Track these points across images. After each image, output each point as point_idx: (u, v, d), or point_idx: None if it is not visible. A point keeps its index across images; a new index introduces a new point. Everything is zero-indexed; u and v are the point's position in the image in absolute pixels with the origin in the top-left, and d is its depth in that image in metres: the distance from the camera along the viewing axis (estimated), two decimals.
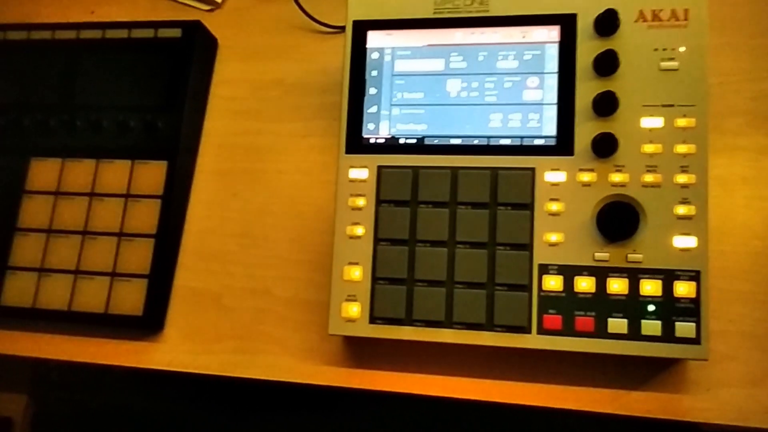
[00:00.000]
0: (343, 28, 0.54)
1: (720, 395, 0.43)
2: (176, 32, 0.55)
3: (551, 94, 0.44)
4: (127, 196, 0.52)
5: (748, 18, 0.50)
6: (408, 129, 0.45)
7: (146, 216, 0.51)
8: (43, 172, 0.54)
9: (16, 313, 0.51)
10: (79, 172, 0.53)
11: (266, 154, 0.54)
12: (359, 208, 0.45)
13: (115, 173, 0.53)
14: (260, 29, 0.58)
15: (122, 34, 0.56)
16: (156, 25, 0.56)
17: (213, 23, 0.58)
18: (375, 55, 0.47)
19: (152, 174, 0.52)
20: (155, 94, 0.54)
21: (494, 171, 0.44)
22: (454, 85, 0.45)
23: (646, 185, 0.42)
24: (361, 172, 0.45)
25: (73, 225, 0.52)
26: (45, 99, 0.56)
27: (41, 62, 0.57)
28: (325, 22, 0.56)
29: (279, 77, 0.56)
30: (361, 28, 0.47)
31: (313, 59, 0.56)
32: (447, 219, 0.43)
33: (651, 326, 0.40)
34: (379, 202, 0.45)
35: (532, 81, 0.44)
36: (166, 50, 0.55)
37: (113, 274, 0.50)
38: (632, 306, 0.41)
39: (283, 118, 0.55)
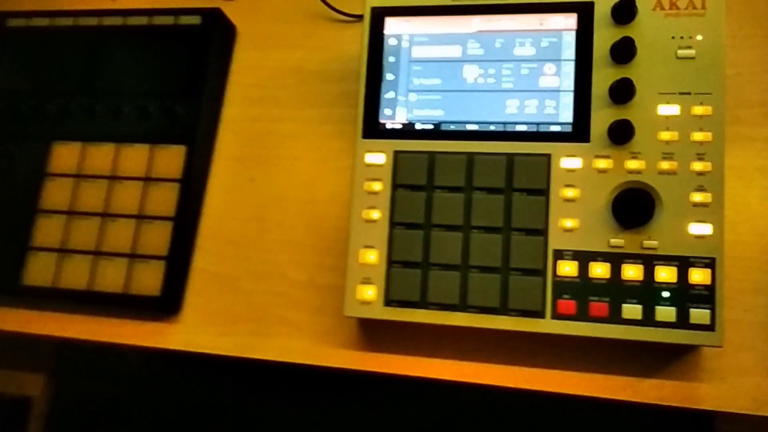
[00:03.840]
0: (360, 17, 0.55)
1: (735, 384, 0.43)
2: (196, 19, 0.56)
3: (568, 81, 0.44)
4: (147, 179, 0.53)
5: (766, 9, 0.50)
6: (425, 114, 0.46)
7: (165, 199, 0.52)
8: (64, 155, 0.55)
9: (38, 293, 0.52)
10: (100, 155, 0.54)
11: (283, 140, 0.55)
12: (375, 193, 0.45)
13: (134, 157, 0.54)
14: (279, 17, 0.59)
15: (143, 21, 0.57)
16: (176, 12, 0.56)
17: (232, 11, 0.58)
18: (393, 42, 0.47)
19: (171, 158, 0.53)
20: (175, 80, 0.55)
21: (510, 157, 0.44)
22: (471, 72, 0.46)
23: (662, 172, 0.42)
24: (377, 156, 0.46)
25: (94, 207, 0.53)
26: (67, 84, 0.57)
27: (63, 48, 0.58)
28: (343, 10, 0.57)
29: (297, 65, 0.57)
30: (380, 15, 0.47)
31: (331, 47, 0.57)
32: (462, 204, 0.44)
33: (665, 312, 0.40)
34: (395, 186, 0.45)
35: (549, 68, 0.45)
36: (185, 37, 0.56)
37: (132, 256, 0.51)
38: (647, 292, 0.41)
39: (300, 105, 0.56)
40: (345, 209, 0.50)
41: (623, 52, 0.43)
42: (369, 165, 0.46)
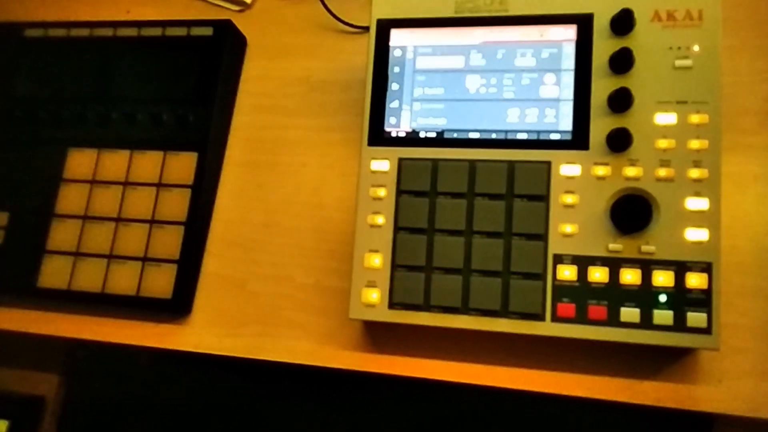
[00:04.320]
0: (366, 29, 0.57)
1: (731, 386, 0.44)
2: (208, 31, 0.57)
3: (567, 91, 0.45)
4: (159, 185, 0.55)
5: (763, 19, 0.51)
6: (428, 123, 0.47)
7: (177, 204, 0.54)
8: (80, 161, 0.57)
9: (52, 295, 0.54)
10: (114, 161, 0.56)
11: (291, 147, 0.56)
12: (380, 198, 0.47)
13: (147, 163, 0.55)
14: (287, 29, 0.61)
15: (156, 32, 0.59)
16: (189, 23, 0.58)
17: (243, 23, 0.60)
18: (398, 53, 0.49)
19: (183, 165, 0.55)
20: (187, 89, 0.57)
21: (511, 164, 0.45)
22: (473, 82, 0.47)
23: (659, 179, 0.43)
24: (382, 163, 0.47)
25: (108, 212, 0.55)
26: (83, 93, 0.59)
27: (79, 58, 0.60)
28: (350, 22, 0.59)
29: (304, 75, 0.58)
30: (385, 27, 0.49)
31: (338, 58, 0.58)
32: (464, 209, 0.45)
33: (663, 316, 0.41)
34: (399, 192, 0.46)
35: (549, 78, 0.46)
36: (197, 48, 0.57)
37: (144, 259, 0.53)
38: (644, 296, 0.42)
39: (307, 113, 0.57)
40: (350, 214, 0.52)
41: (622, 62, 0.44)
42: (374, 171, 0.47)
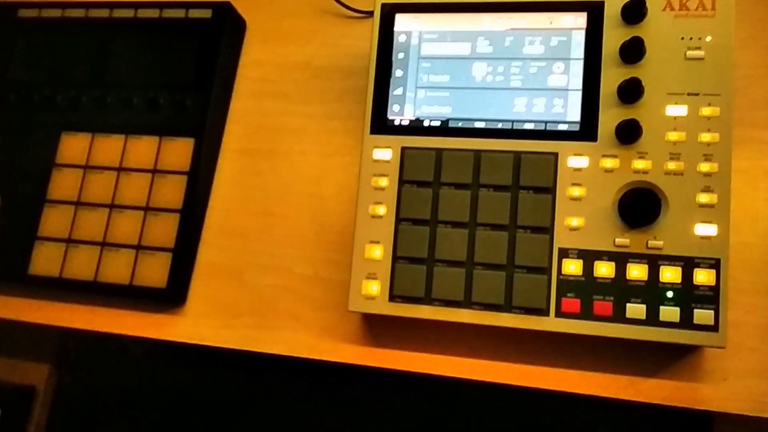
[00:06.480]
0: (369, 13, 0.55)
1: (736, 385, 0.43)
2: (206, 13, 0.56)
3: (576, 80, 0.44)
4: (155, 171, 0.53)
5: None
6: (432, 111, 0.46)
7: (172, 191, 0.52)
8: (73, 145, 0.55)
9: (44, 283, 0.53)
10: (109, 146, 0.54)
11: (290, 135, 0.55)
12: (382, 188, 0.46)
13: (143, 149, 0.54)
14: (288, 12, 0.59)
15: (154, 13, 0.57)
16: (187, 5, 0.56)
17: (242, 5, 0.59)
18: (402, 38, 0.47)
19: (179, 151, 0.53)
20: (184, 73, 0.55)
21: (517, 154, 0.44)
22: (479, 69, 0.46)
23: (668, 173, 0.42)
24: (384, 152, 0.46)
25: (101, 198, 0.53)
26: (77, 76, 0.57)
27: (74, 40, 0.58)
28: (353, 6, 0.57)
29: (305, 60, 0.57)
30: (390, 11, 0.48)
31: (340, 43, 0.57)
32: (469, 200, 0.44)
33: (669, 312, 0.41)
34: (401, 182, 0.45)
35: (558, 67, 0.45)
36: (196, 30, 0.56)
37: (138, 247, 0.52)
38: (651, 292, 0.41)
39: (308, 100, 0.56)
40: (351, 204, 0.51)
41: (632, 51, 0.43)
42: (376, 161, 0.46)
